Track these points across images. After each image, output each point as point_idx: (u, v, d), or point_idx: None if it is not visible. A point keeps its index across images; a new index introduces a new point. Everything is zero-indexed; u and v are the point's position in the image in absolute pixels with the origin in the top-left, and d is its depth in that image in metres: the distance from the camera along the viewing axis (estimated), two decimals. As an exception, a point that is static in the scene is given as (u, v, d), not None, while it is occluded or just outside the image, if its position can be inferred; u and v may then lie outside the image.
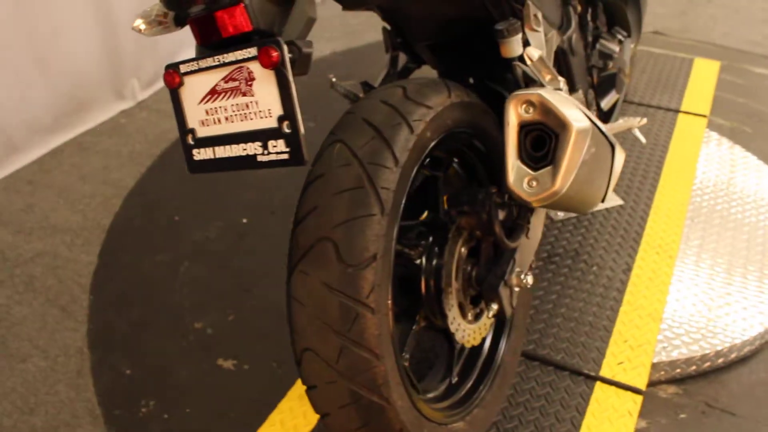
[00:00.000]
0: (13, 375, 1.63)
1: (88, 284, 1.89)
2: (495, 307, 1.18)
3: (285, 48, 0.77)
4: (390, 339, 1.01)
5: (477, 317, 1.23)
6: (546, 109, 0.99)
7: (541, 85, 1.23)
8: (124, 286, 1.88)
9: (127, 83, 2.70)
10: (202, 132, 0.86)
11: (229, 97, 0.82)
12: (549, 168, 1.00)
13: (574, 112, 1.01)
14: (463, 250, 1.19)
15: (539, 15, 1.27)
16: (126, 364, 1.65)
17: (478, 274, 1.20)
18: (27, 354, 1.69)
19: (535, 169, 1.02)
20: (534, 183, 1.01)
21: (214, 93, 0.83)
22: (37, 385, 1.60)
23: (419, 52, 1.48)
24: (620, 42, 1.76)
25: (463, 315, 1.20)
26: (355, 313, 0.96)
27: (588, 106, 1.58)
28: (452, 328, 1.17)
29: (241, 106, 0.82)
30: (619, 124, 1.59)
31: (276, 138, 0.81)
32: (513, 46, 1.23)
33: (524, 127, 1.02)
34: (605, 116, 1.77)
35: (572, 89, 1.51)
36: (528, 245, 1.25)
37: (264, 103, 0.79)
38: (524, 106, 1.01)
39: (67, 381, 1.61)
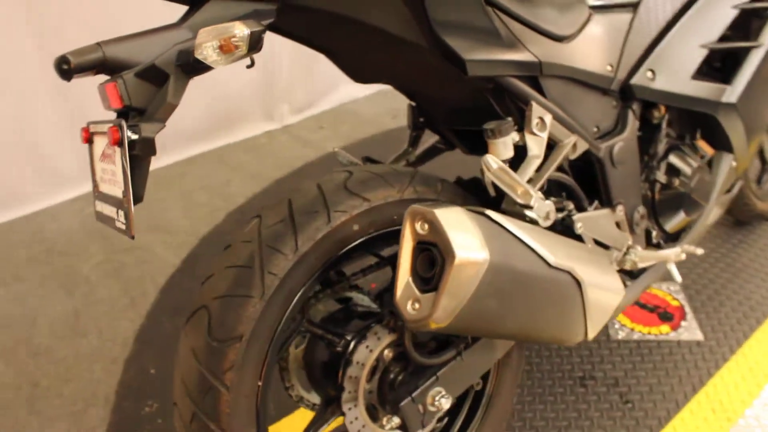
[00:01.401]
0: (71, 345, 1.91)
1: (162, 284, 2.14)
2: (396, 421, 1.13)
3: (125, 129, 0.85)
4: (249, 419, 1.04)
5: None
6: (436, 230, 0.94)
7: (500, 197, 1.17)
8: (187, 294, 2.09)
9: (278, 107, 2.98)
10: (100, 187, 0.97)
11: (108, 162, 0.92)
12: (433, 294, 0.95)
13: (470, 240, 0.93)
14: (387, 351, 1.16)
15: (548, 119, 1.19)
16: (153, 363, 1.85)
17: (392, 380, 1.16)
18: (88, 330, 1.97)
19: (422, 291, 0.97)
20: (417, 305, 0.96)
21: (104, 155, 0.94)
22: (81, 360, 1.86)
23: (443, 131, 1.46)
24: (702, 158, 1.55)
25: (374, 418, 1.17)
26: (209, 386, 1.01)
27: (634, 225, 1.41)
28: (353, 428, 1.15)
29: (110, 172, 0.91)
30: (652, 254, 1.40)
31: (119, 208, 0.89)
32: (499, 149, 1.17)
33: (420, 244, 0.97)
34: (672, 238, 1.56)
35: (607, 204, 1.37)
36: (464, 368, 1.17)
37: (118, 175, 0.88)
38: (420, 222, 0.96)
39: (103, 364, 1.85)
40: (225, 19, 0.94)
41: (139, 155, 0.89)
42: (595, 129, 1.35)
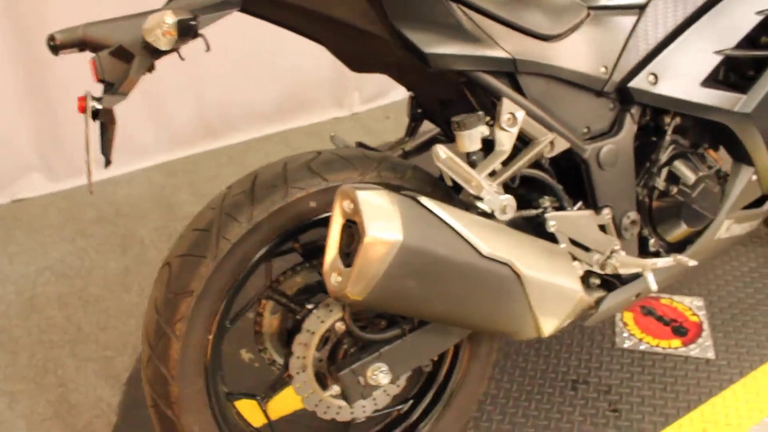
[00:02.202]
0: (115, 298, 2.10)
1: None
2: (336, 388, 1.19)
3: (88, 100, 0.97)
4: (197, 368, 1.15)
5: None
6: (356, 209, 0.99)
7: (449, 187, 1.20)
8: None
9: (349, 94, 3.08)
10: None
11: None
12: (350, 269, 1.01)
13: (386, 221, 0.98)
14: (340, 324, 1.22)
15: (520, 115, 1.21)
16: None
17: (341, 351, 1.22)
18: (131, 287, 2.15)
19: (345, 266, 1.02)
20: (339, 278, 1.02)
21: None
22: (120, 312, 2.05)
23: (439, 123, 1.50)
24: (709, 168, 1.47)
25: (324, 386, 1.24)
26: (162, 334, 1.12)
27: (622, 229, 1.38)
28: (300, 392, 1.23)
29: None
30: (634, 260, 1.37)
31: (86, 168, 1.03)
32: (464, 141, 1.21)
33: (348, 221, 1.03)
34: (676, 249, 1.51)
35: (593, 206, 1.36)
36: (410, 349, 1.21)
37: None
38: (347, 201, 1.02)
39: (137, 318, 2.02)
40: (196, 6, 1.04)
41: (105, 123, 1.02)
42: (585, 129, 1.34)
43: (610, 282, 1.46)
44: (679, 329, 1.76)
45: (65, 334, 1.98)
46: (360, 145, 1.47)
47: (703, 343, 1.72)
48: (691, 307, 1.84)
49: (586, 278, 1.43)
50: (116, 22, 1.04)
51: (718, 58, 1.40)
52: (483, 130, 1.22)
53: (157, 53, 1.02)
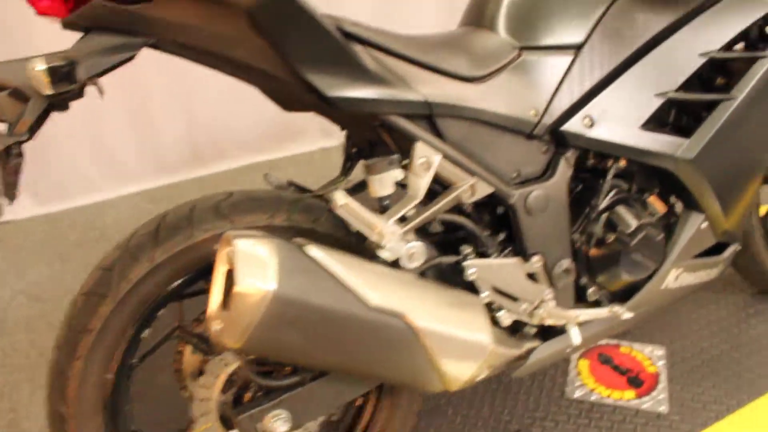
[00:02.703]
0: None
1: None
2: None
3: None
4: (95, 407, 1.14)
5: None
6: (233, 257, 0.96)
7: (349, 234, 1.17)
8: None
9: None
10: None
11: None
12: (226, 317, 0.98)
13: (260, 271, 0.95)
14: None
15: (436, 159, 1.17)
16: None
17: (244, 395, 1.19)
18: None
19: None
20: (219, 326, 1.00)
21: None
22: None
23: None
24: (651, 215, 1.40)
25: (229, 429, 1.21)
26: (61, 371, 1.12)
27: (554, 278, 1.32)
28: (202, 434, 1.20)
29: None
30: (561, 312, 1.30)
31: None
32: (374, 186, 1.17)
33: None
34: (620, 298, 1.44)
35: (520, 253, 1.30)
36: (313, 397, 1.17)
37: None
38: (228, 247, 0.99)
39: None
40: (96, 48, 1.03)
41: (7, 162, 1.02)
42: (515, 173, 1.29)
43: (551, 331, 1.41)
44: (635, 380, 1.68)
45: (27, 359, 1.99)
46: (292, 184, 1.44)
47: (658, 396, 1.63)
48: (650, 356, 1.75)
49: (518, 327, 1.38)
50: (17, 62, 1.04)
51: (660, 101, 1.34)
52: (396, 175, 1.18)
53: (51, 97, 1.01)
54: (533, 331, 1.40)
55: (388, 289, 1.08)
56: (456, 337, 1.13)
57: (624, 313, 1.38)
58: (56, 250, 2.48)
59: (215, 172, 2.92)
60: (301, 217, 1.21)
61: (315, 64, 1.07)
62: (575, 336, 1.31)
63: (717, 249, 1.60)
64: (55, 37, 2.40)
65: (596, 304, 1.45)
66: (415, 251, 1.17)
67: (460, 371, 1.16)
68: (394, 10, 2.99)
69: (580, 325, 1.41)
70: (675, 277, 1.49)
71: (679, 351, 1.77)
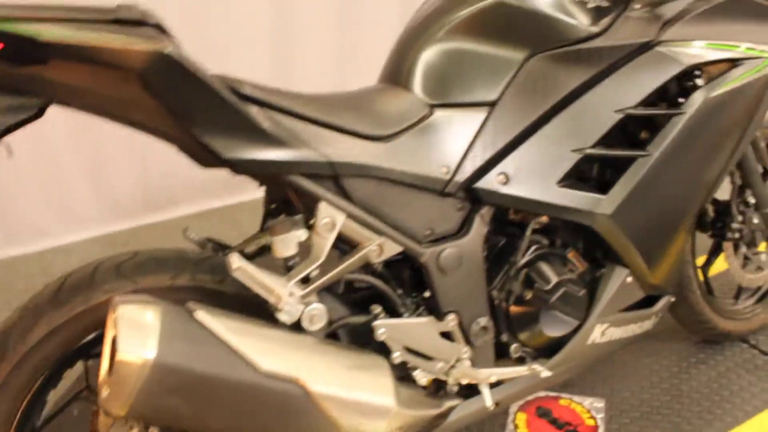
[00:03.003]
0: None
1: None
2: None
3: None
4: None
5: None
6: (115, 323, 0.96)
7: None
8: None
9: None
10: None
11: None
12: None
13: (139, 338, 0.94)
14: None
15: (340, 220, 1.17)
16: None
17: None
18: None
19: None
20: (107, 392, 0.98)
21: None
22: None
23: None
24: (571, 271, 1.39)
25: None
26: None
27: (471, 336, 1.31)
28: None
29: None
30: (473, 372, 1.29)
31: None
32: (277, 247, 1.17)
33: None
34: (544, 355, 1.42)
35: (435, 312, 1.29)
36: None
37: None
38: (113, 313, 0.98)
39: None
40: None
41: None
42: (428, 231, 1.29)
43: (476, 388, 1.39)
44: (571, 434, 1.66)
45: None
46: (210, 241, 1.43)
47: (594, 450, 1.61)
48: (590, 409, 1.73)
49: (442, 385, 1.36)
50: None
51: (576, 157, 1.34)
52: (300, 235, 1.18)
53: None
54: (456, 389, 1.38)
55: (281, 353, 1.07)
56: (355, 400, 1.11)
57: (543, 371, 1.37)
58: (4, 298, 2.45)
59: (169, 218, 2.90)
60: (206, 277, 1.20)
61: (209, 127, 1.07)
62: (487, 397, 1.30)
63: (649, 301, 1.60)
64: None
65: (520, 360, 1.43)
66: (316, 314, 1.15)
67: None
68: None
69: (501, 382, 1.40)
70: (601, 332, 1.48)
71: (619, 403, 1.74)
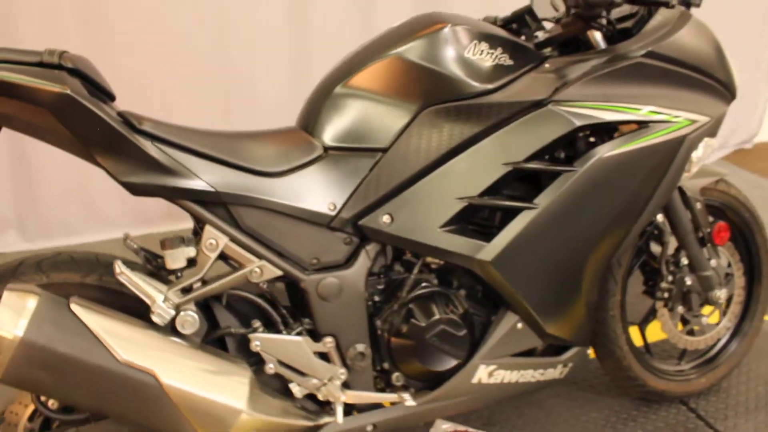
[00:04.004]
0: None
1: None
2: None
3: None
4: None
5: None
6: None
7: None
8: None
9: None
10: None
11: None
12: None
13: (13, 319, 1.18)
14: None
15: (222, 242, 1.38)
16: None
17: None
18: None
19: None
20: None
21: None
22: None
23: None
24: (453, 311, 1.50)
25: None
26: None
27: (348, 360, 1.47)
28: None
29: None
30: (334, 392, 1.46)
31: None
32: (168, 259, 1.39)
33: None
34: (429, 387, 1.56)
35: (314, 335, 1.48)
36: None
37: None
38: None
39: None
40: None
41: None
42: (315, 260, 1.46)
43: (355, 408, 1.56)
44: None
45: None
46: (144, 250, 1.65)
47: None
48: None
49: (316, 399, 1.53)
50: None
51: (461, 205, 1.47)
52: (188, 252, 1.40)
53: None
54: (342, 407, 1.55)
55: (142, 347, 1.28)
56: (205, 398, 1.30)
57: (409, 401, 1.52)
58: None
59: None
60: (112, 279, 1.44)
61: (107, 154, 1.30)
62: (339, 415, 1.46)
63: (557, 350, 1.70)
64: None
65: (404, 389, 1.58)
66: (188, 320, 1.36)
67: (219, 430, 1.34)
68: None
69: (380, 406, 1.56)
70: (488, 373, 1.58)
71: (532, 449, 1.84)
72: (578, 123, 1.49)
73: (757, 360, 2.14)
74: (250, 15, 2.94)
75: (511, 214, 1.51)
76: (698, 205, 1.81)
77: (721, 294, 1.86)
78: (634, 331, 1.88)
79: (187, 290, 1.39)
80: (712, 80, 1.66)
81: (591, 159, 1.51)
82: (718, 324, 1.99)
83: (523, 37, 1.71)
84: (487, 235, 1.51)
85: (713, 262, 1.87)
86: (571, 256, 1.57)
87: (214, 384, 1.33)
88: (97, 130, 1.28)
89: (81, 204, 3.05)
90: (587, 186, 1.52)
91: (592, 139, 1.57)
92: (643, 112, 1.54)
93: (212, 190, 1.37)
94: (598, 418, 1.92)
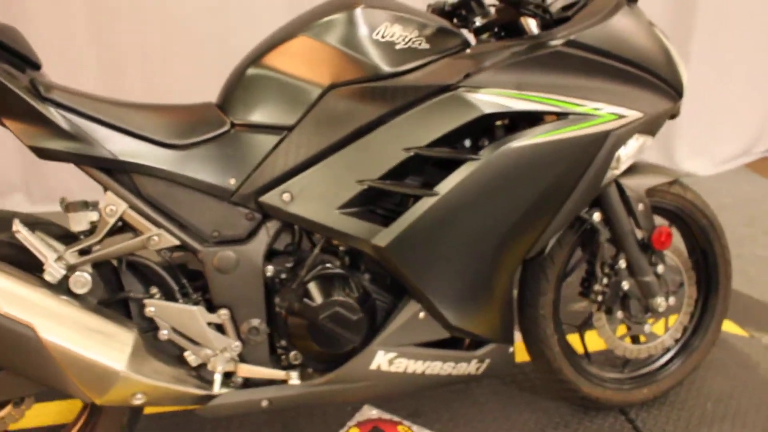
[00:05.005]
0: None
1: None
2: None
3: None
4: None
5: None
6: None
7: None
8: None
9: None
10: None
11: None
12: None
13: None
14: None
15: (120, 208, 1.47)
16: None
17: None
18: None
19: None
20: None
21: None
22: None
23: None
24: (348, 294, 1.55)
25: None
26: None
27: (242, 334, 1.55)
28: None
29: None
30: (220, 364, 1.54)
31: None
32: (71, 222, 1.50)
33: None
34: (328, 368, 1.61)
35: (210, 309, 1.56)
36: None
37: None
38: None
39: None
40: None
41: None
42: (215, 233, 1.54)
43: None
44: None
45: None
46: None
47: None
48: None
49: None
50: None
51: (360, 188, 1.49)
52: (91, 216, 1.50)
53: None
54: (241, 380, 1.63)
55: (26, 302, 1.37)
56: (83, 357, 1.39)
57: (294, 380, 1.57)
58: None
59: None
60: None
61: (14, 119, 1.42)
62: (217, 385, 1.53)
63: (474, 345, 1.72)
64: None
65: (302, 367, 1.65)
66: (80, 281, 1.45)
67: (97, 389, 1.42)
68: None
69: (277, 382, 1.63)
70: (389, 361, 1.61)
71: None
72: (486, 110, 1.49)
73: (712, 374, 2.07)
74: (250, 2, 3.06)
75: (415, 200, 1.54)
76: (640, 206, 1.77)
77: (662, 302, 1.82)
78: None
79: (85, 252, 1.49)
80: (647, 74, 1.62)
81: (498, 149, 1.52)
82: (665, 333, 1.95)
83: (459, 22, 1.74)
84: (392, 220, 1.55)
85: (660, 268, 1.83)
86: (477, 248, 1.58)
87: (93, 343, 1.42)
88: (5, 98, 1.41)
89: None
90: (493, 176, 1.52)
91: (501, 129, 1.57)
92: (559, 103, 1.53)
93: (113, 158, 1.46)
94: (530, 420, 1.92)
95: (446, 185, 1.52)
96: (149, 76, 3.19)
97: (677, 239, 1.90)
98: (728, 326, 2.35)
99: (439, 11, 1.82)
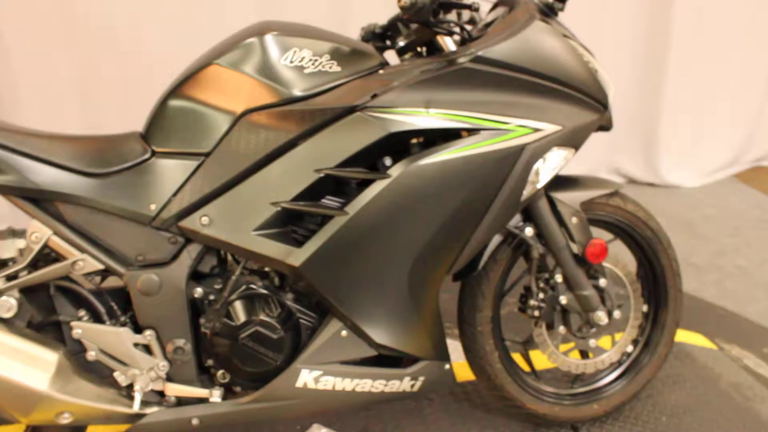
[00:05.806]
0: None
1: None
2: None
3: None
4: None
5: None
6: None
7: None
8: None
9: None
10: None
11: None
12: None
13: None
14: None
15: (44, 236, 1.58)
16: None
17: None
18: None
19: None
20: None
21: None
22: None
23: None
24: (269, 314, 1.61)
25: None
26: None
27: (167, 354, 1.63)
28: None
29: None
30: (144, 384, 1.63)
31: None
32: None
33: None
34: (252, 387, 1.68)
35: (137, 330, 1.65)
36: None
37: None
38: None
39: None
40: None
41: None
42: (140, 257, 1.63)
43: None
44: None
45: None
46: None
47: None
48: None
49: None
50: None
51: (273, 210, 1.55)
52: (18, 243, 1.61)
53: None
54: (174, 399, 1.72)
55: None
56: (6, 379, 1.48)
57: (216, 398, 1.64)
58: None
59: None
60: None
61: None
62: (137, 403, 1.61)
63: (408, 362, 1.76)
64: None
65: (231, 385, 1.72)
66: (5, 305, 1.54)
67: (21, 409, 1.52)
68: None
69: (206, 401, 1.70)
70: (314, 379, 1.67)
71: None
72: (392, 129, 1.54)
73: (669, 387, 2.05)
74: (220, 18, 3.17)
75: (327, 220, 1.60)
76: (574, 220, 1.78)
77: (603, 315, 1.82)
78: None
79: (12, 278, 1.60)
80: (564, 87, 1.65)
81: (406, 167, 1.56)
82: (612, 348, 1.94)
83: (390, 44, 1.80)
84: (298, 241, 1.61)
85: (602, 282, 1.84)
86: (393, 266, 1.62)
87: (16, 364, 1.51)
88: None
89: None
90: (402, 194, 1.56)
91: (410, 147, 1.62)
92: (468, 119, 1.56)
93: (37, 188, 1.57)
94: (481, 438, 1.95)
95: (356, 204, 1.57)
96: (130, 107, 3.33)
97: (625, 252, 1.91)
98: (696, 339, 2.32)
99: (371, 34, 1.89)
